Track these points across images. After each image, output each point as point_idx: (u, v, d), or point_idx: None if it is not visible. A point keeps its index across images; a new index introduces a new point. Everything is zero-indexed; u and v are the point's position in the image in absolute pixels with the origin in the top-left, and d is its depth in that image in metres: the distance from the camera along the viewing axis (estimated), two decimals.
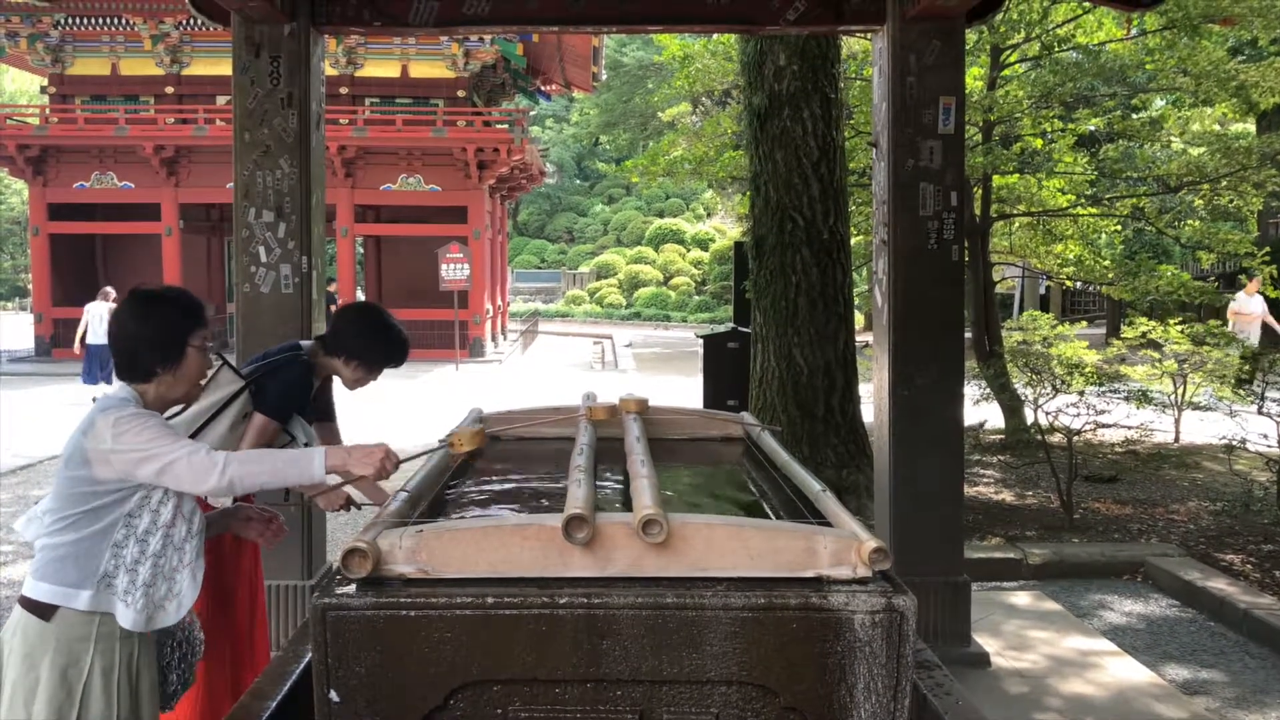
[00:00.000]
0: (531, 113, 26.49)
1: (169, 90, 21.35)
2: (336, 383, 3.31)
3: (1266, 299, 12.76)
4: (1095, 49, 9.14)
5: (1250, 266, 9.62)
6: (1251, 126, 15.11)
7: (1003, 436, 9.48)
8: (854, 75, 9.53)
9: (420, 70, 21.75)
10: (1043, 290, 22.38)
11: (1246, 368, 8.49)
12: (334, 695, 1.93)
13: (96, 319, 12.97)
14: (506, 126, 21.11)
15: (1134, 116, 10.56)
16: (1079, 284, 13.09)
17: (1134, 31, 9.28)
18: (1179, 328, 9.55)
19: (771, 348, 6.69)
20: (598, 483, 2.43)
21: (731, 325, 10.09)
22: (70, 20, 20.63)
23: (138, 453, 2.14)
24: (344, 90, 21.19)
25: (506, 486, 2.79)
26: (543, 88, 25.86)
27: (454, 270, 19.60)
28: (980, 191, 9.45)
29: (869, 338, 4.65)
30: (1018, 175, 9.59)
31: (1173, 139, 11.27)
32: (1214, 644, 4.88)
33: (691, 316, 32.16)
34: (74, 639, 2.18)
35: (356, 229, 21.51)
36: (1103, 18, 9.03)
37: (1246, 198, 9.57)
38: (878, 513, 4.40)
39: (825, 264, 6.56)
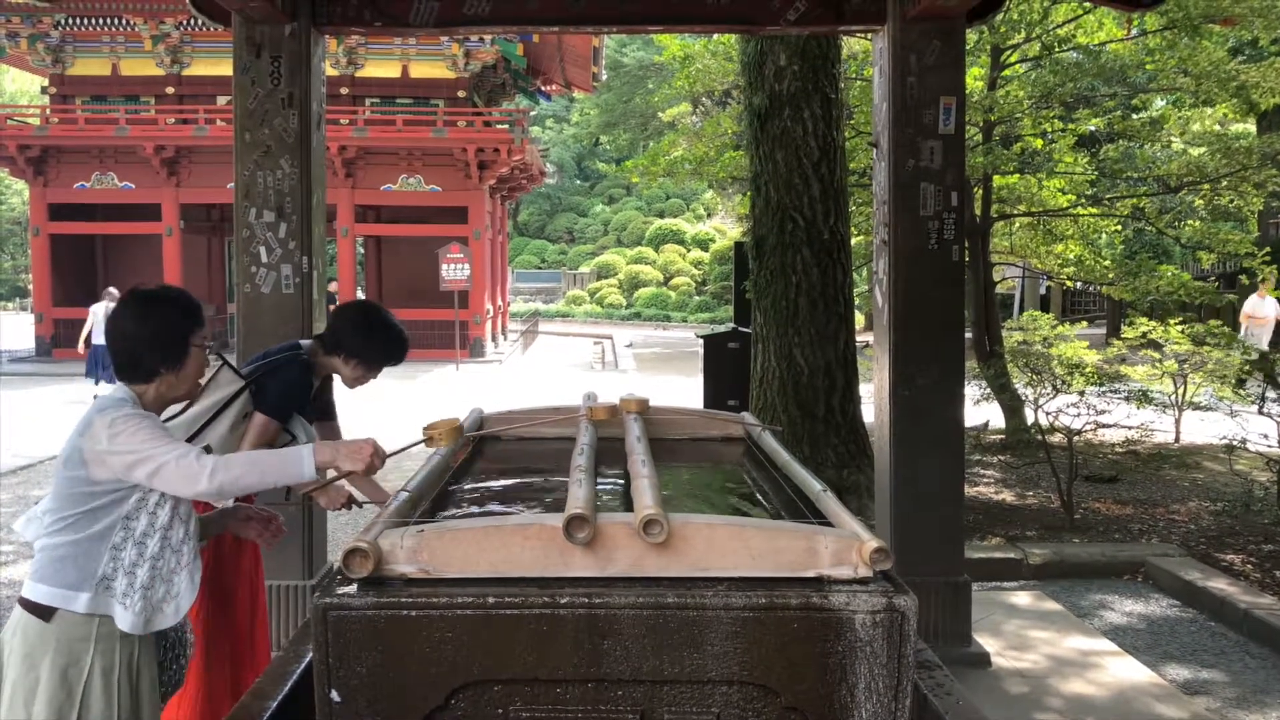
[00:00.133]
0: (532, 113, 26.49)
1: (169, 90, 21.36)
2: (336, 381, 3.31)
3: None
4: (1096, 49, 9.14)
5: (1251, 266, 9.62)
6: (1252, 127, 15.10)
7: (1003, 436, 9.48)
8: (854, 75, 9.53)
9: (421, 70, 21.76)
10: (1043, 290, 22.38)
11: (1246, 368, 8.48)
12: (335, 695, 1.93)
13: (101, 319, 13.04)
14: (507, 127, 21.11)
15: (1134, 117, 10.56)
16: (1079, 284, 13.09)
17: (1134, 32, 9.28)
18: (1179, 328, 9.55)
19: (772, 348, 6.69)
20: (598, 483, 2.43)
21: (732, 325, 10.09)
22: (71, 21, 20.63)
23: (133, 455, 2.13)
24: (344, 90, 21.20)
25: (507, 486, 2.79)
26: (543, 88, 25.87)
27: (454, 270, 19.61)
28: (981, 191, 9.45)
29: (869, 338, 4.65)
30: (1018, 175, 9.60)
31: (1173, 139, 11.26)
32: (1214, 644, 4.88)
33: (692, 317, 32.17)
34: (74, 639, 2.18)
35: (357, 229, 21.52)
36: (1103, 18, 9.03)
37: (1247, 198, 9.58)
38: (878, 513, 4.40)
39: (826, 264, 6.56)
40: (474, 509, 2.50)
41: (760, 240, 6.76)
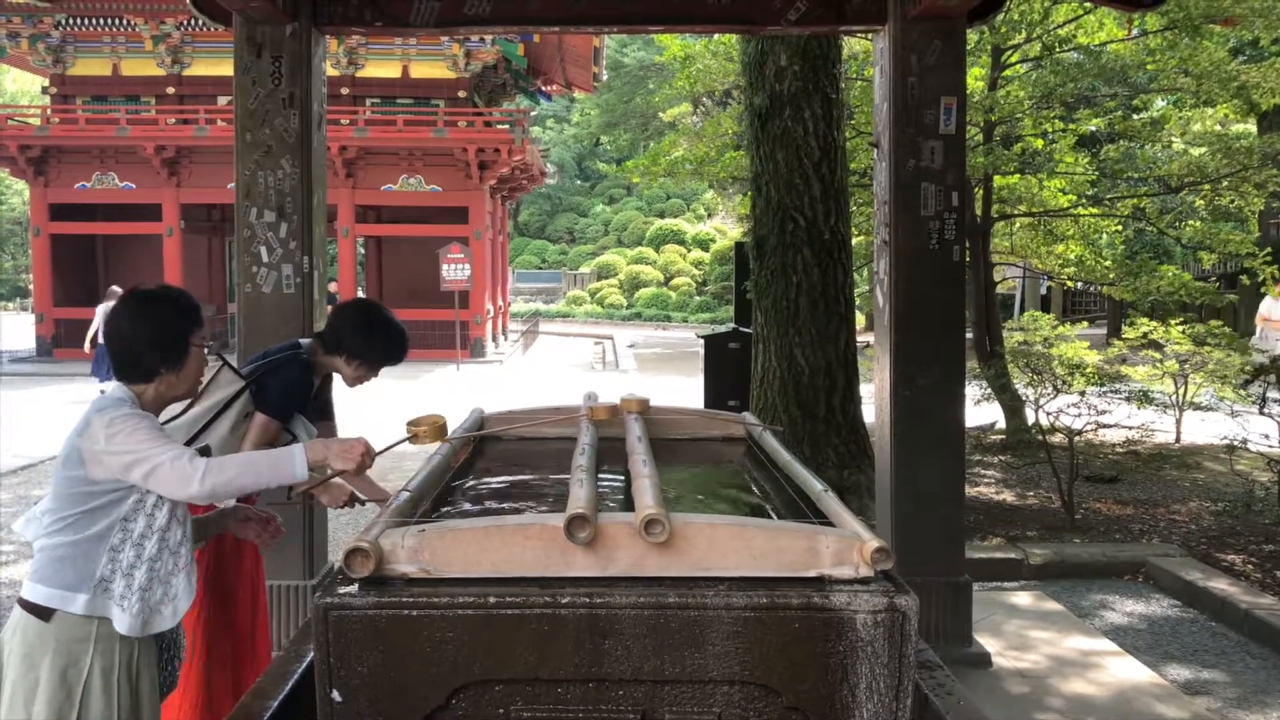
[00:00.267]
0: (532, 113, 26.49)
1: (170, 91, 21.36)
2: (337, 381, 3.30)
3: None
4: (1096, 49, 9.14)
5: (1252, 267, 9.62)
6: (1252, 127, 15.10)
7: (1004, 437, 9.48)
8: (855, 75, 9.53)
9: (421, 71, 21.76)
10: (1044, 290, 22.38)
11: (1248, 368, 8.48)
12: (336, 695, 1.93)
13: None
14: (507, 127, 21.11)
15: (1135, 117, 10.56)
16: (1080, 284, 13.07)
17: (1135, 32, 9.28)
18: (1180, 328, 9.55)
19: (773, 348, 6.69)
20: (599, 483, 2.43)
21: (732, 325, 10.09)
22: (71, 21, 20.63)
23: (130, 455, 2.13)
24: (345, 91, 21.19)
25: (508, 486, 2.79)
26: (543, 88, 25.87)
27: (455, 270, 19.61)
28: (981, 192, 9.45)
29: (870, 338, 4.65)
30: (1019, 175, 9.59)
31: (1174, 139, 11.26)
32: (1215, 644, 4.88)
33: (692, 317, 32.17)
34: (73, 640, 2.18)
35: (358, 229, 21.52)
36: (1104, 18, 9.03)
37: (1247, 198, 9.58)
38: (879, 513, 4.40)
39: (826, 264, 6.56)
40: (475, 509, 2.50)
41: (761, 240, 6.76)
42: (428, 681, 1.93)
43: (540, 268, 40.40)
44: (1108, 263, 10.37)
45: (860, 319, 12.86)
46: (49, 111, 21.07)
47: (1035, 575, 5.86)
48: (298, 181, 4.12)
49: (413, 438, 2.44)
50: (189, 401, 2.78)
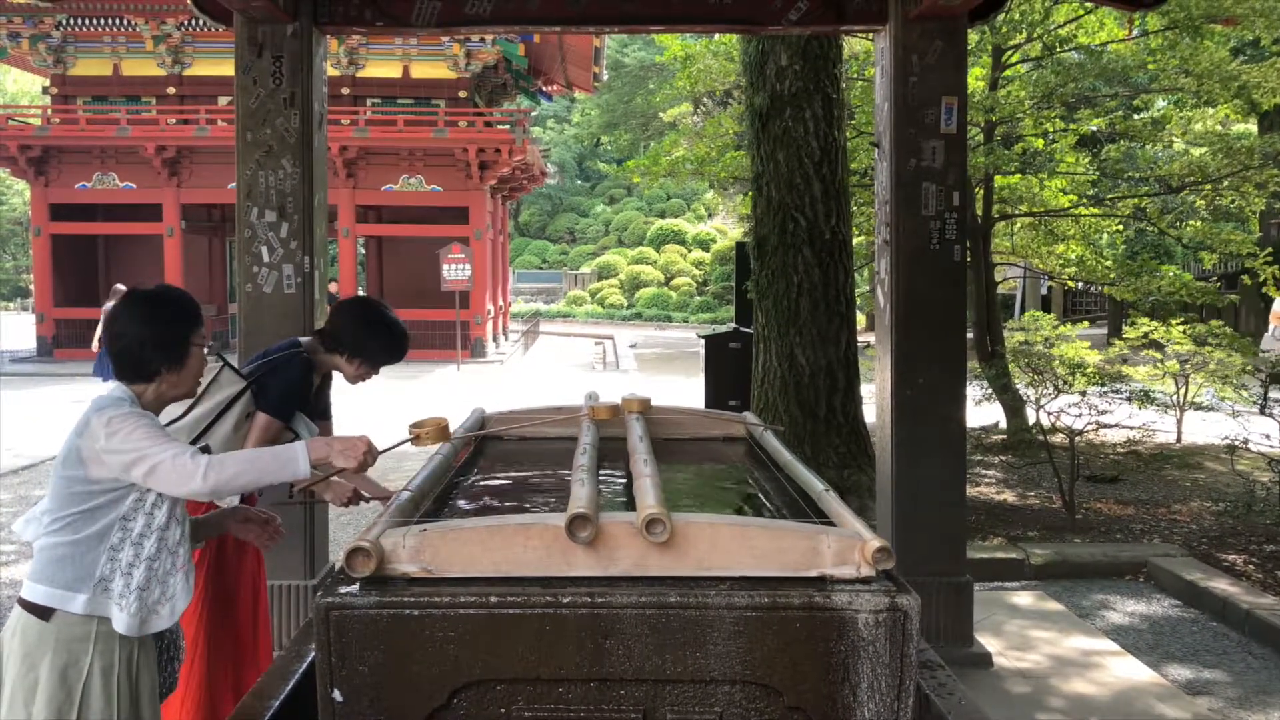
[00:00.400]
0: (533, 113, 26.45)
1: (171, 91, 21.36)
2: (337, 380, 3.30)
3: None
4: (1097, 49, 9.13)
5: (1252, 267, 9.61)
6: (1253, 127, 15.09)
7: (1004, 437, 9.47)
8: (856, 75, 9.53)
9: (422, 71, 21.76)
10: (1044, 290, 22.37)
11: (1249, 368, 8.47)
12: (337, 694, 1.93)
13: None
14: (508, 127, 21.12)
15: (1136, 117, 10.55)
16: (1081, 284, 13.07)
17: (1136, 32, 9.27)
18: (1181, 328, 9.55)
19: (773, 348, 6.68)
20: (601, 482, 2.43)
21: (733, 326, 10.08)
22: (72, 21, 20.64)
23: (130, 454, 2.13)
24: (346, 91, 21.20)
25: (510, 486, 2.79)
26: (544, 88, 25.87)
27: (455, 271, 19.61)
28: (982, 192, 9.45)
29: (871, 338, 4.65)
30: (1019, 175, 9.59)
31: (1174, 139, 11.25)
32: (1216, 644, 4.87)
33: (693, 317, 32.16)
34: (73, 639, 2.18)
35: (358, 229, 21.52)
36: (1104, 18, 9.02)
37: (1248, 198, 9.57)
38: (880, 513, 4.40)
39: (827, 264, 6.56)
40: (476, 508, 2.50)
41: (762, 240, 6.76)
42: (429, 681, 1.93)
43: (541, 268, 40.40)
44: (1108, 263, 10.37)
45: (861, 319, 12.87)
46: (49, 111, 21.08)
47: (1036, 575, 5.85)
48: (298, 181, 4.12)
49: (415, 439, 2.44)
50: (190, 403, 2.78)
